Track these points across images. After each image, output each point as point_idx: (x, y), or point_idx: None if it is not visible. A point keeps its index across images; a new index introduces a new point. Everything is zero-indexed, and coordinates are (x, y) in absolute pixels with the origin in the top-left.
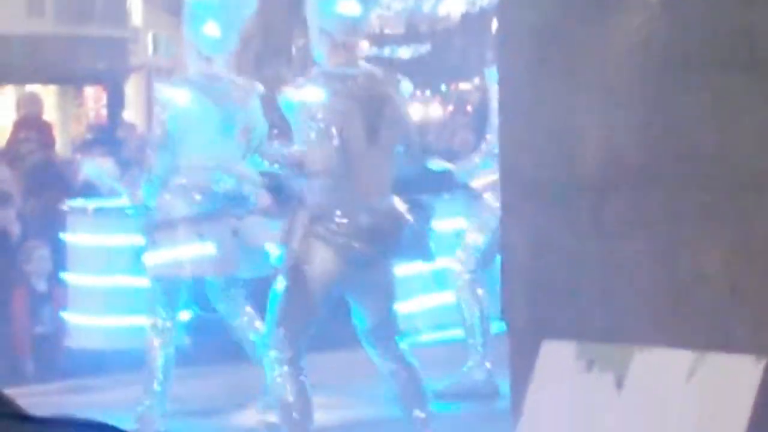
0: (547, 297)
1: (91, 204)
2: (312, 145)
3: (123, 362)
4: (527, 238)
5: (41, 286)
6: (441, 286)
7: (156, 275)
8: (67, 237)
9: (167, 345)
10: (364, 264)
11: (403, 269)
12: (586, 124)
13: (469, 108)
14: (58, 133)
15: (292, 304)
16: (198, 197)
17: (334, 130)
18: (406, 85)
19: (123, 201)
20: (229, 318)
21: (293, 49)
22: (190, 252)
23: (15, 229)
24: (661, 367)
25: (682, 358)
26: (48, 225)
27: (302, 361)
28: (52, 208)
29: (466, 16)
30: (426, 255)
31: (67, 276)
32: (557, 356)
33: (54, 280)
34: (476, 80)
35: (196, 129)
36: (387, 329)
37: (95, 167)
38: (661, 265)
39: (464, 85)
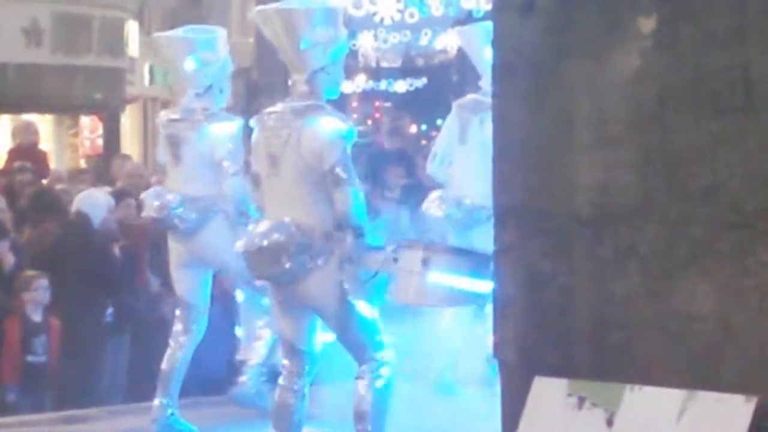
0: (539, 333)
1: None
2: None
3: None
4: (520, 274)
5: (37, 316)
6: None
7: None
8: None
9: None
10: (276, 285)
11: None
12: (581, 161)
13: None
14: (53, 163)
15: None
16: None
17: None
18: (326, 122)
19: None
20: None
21: (289, 82)
22: None
23: (9, 259)
24: (652, 406)
25: (673, 396)
26: (43, 254)
27: (303, 381)
28: (47, 237)
29: (462, 51)
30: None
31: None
32: (548, 393)
33: (49, 310)
34: None
35: None
36: (346, 346)
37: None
38: (654, 303)
39: None
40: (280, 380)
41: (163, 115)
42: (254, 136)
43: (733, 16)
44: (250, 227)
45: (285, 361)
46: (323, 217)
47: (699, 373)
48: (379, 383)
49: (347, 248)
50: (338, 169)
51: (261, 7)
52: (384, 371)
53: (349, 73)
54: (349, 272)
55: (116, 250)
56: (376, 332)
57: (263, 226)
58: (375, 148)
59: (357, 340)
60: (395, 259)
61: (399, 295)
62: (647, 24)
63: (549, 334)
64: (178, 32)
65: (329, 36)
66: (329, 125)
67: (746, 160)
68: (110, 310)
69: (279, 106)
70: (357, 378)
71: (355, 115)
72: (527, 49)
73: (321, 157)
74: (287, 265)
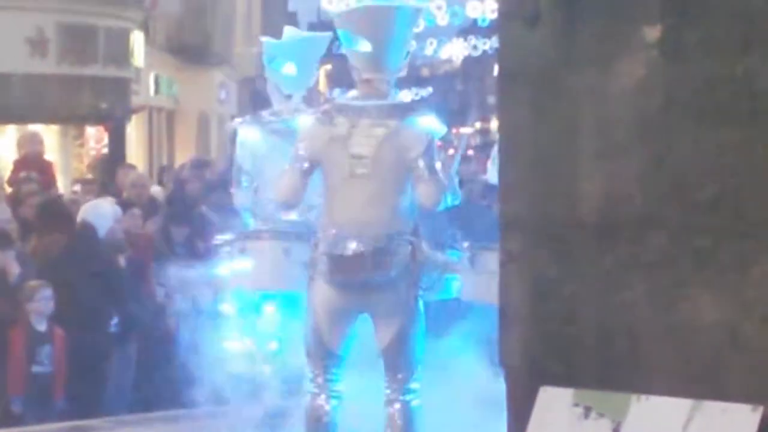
0: (545, 342)
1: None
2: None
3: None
4: (526, 283)
5: (41, 326)
6: None
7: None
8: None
9: None
10: (359, 291)
11: None
12: (586, 171)
13: (470, 152)
14: (59, 173)
15: (309, 335)
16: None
17: (327, 159)
18: (417, 116)
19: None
20: None
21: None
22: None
23: (14, 269)
24: (659, 416)
25: (680, 406)
26: (49, 264)
27: (336, 385)
28: (53, 247)
29: (467, 61)
30: (423, 287)
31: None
32: (554, 402)
33: (54, 320)
34: (477, 124)
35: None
36: (398, 362)
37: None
38: (660, 312)
39: (465, 129)
40: (311, 387)
41: None
42: (312, 134)
43: (738, 25)
44: (329, 231)
45: (315, 369)
46: (407, 221)
47: (705, 382)
48: (412, 411)
49: (423, 254)
50: (430, 161)
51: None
52: (416, 402)
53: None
54: (425, 280)
55: (122, 260)
56: (421, 360)
57: (359, 227)
58: None
59: (407, 359)
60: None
61: (480, 295)
62: (652, 33)
63: (554, 342)
64: None
65: (411, 37)
66: (432, 123)
67: (751, 169)
68: (116, 320)
69: (351, 103)
70: (388, 404)
71: None
72: (533, 58)
73: (413, 150)
74: (392, 272)
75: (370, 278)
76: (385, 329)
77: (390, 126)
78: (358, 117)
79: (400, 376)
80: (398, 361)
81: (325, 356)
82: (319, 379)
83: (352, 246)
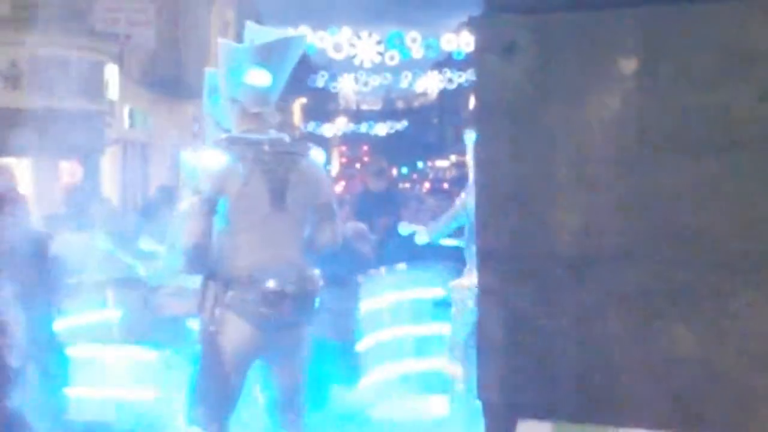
0: (523, 376)
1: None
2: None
3: None
4: (503, 316)
5: (14, 361)
6: (424, 352)
7: None
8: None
9: None
10: (275, 329)
11: (385, 333)
12: (563, 203)
13: (445, 185)
14: (32, 207)
15: (210, 378)
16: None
17: (234, 195)
18: (316, 152)
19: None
20: None
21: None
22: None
23: None
24: None
25: None
26: (23, 299)
27: None
28: (28, 282)
29: (443, 93)
30: (340, 332)
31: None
32: None
33: (27, 356)
34: (452, 157)
35: None
36: (295, 401)
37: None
38: (636, 345)
39: (441, 162)
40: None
41: None
42: (229, 165)
43: (713, 56)
44: (240, 270)
45: (288, 414)
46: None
47: (683, 415)
48: None
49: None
50: (333, 202)
51: (254, 26)
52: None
53: (330, 115)
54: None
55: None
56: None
57: (276, 264)
58: (361, 190)
59: (304, 397)
60: None
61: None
62: (628, 65)
63: (532, 376)
64: None
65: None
66: (322, 158)
67: (727, 201)
68: None
69: (259, 136)
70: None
71: (343, 159)
72: (508, 91)
73: (320, 190)
74: (314, 310)
75: (293, 316)
76: (290, 368)
77: (296, 160)
78: (265, 151)
79: (296, 416)
80: (297, 399)
81: (224, 402)
82: (293, 424)
83: (272, 284)
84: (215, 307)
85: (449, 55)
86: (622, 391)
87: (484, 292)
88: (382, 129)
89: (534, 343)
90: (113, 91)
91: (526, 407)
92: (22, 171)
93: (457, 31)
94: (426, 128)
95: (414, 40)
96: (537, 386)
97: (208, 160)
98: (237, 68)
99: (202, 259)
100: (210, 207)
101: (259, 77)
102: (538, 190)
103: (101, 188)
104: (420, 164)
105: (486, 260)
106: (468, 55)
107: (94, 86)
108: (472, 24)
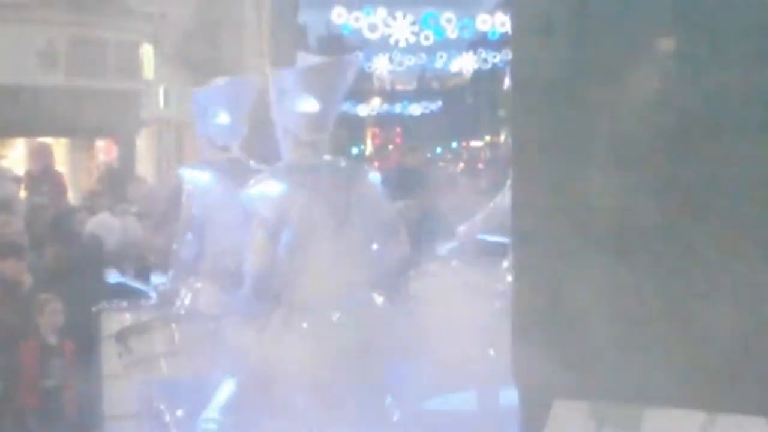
0: (559, 357)
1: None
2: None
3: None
4: (539, 298)
5: (52, 339)
6: None
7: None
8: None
9: None
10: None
11: None
12: (600, 184)
13: (480, 165)
14: (69, 186)
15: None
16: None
17: (297, 223)
18: (373, 175)
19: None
20: None
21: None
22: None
23: (26, 281)
24: (673, 428)
25: (694, 418)
26: (59, 277)
27: None
28: (64, 260)
29: (477, 74)
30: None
31: None
32: (568, 416)
33: (64, 333)
34: (487, 138)
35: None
36: None
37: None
38: (673, 325)
39: (475, 142)
40: None
41: None
42: (290, 194)
43: (751, 36)
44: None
45: None
46: None
47: (720, 395)
48: None
49: None
50: (396, 217)
51: (309, 59)
52: None
53: (364, 96)
54: None
55: (132, 273)
56: None
57: (339, 290)
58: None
59: None
60: None
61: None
62: (666, 44)
63: (568, 357)
64: None
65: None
66: (378, 179)
67: (764, 180)
68: None
69: (315, 162)
70: None
71: (377, 140)
72: (545, 70)
73: (381, 208)
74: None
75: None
76: None
77: (356, 179)
78: (322, 173)
79: None
80: None
81: None
82: None
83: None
84: (283, 333)
85: (484, 35)
86: (658, 371)
87: (519, 272)
88: (416, 109)
89: (569, 324)
90: (148, 70)
91: (562, 387)
92: (59, 150)
93: (492, 11)
94: (460, 108)
95: (449, 20)
96: (572, 367)
97: (268, 191)
98: (284, 94)
99: (268, 288)
100: (274, 238)
101: (307, 104)
102: (574, 170)
103: (136, 167)
104: (454, 144)
105: (521, 239)
106: (503, 35)
107: (130, 66)
108: (509, 1)
